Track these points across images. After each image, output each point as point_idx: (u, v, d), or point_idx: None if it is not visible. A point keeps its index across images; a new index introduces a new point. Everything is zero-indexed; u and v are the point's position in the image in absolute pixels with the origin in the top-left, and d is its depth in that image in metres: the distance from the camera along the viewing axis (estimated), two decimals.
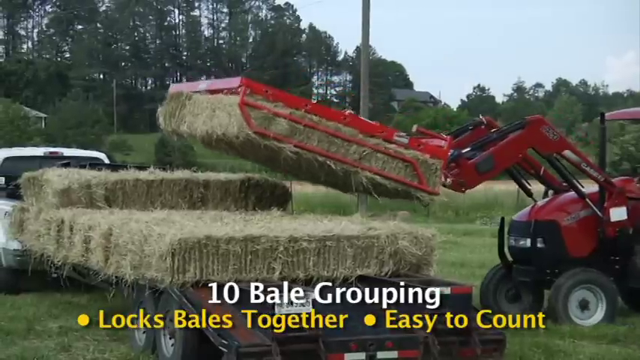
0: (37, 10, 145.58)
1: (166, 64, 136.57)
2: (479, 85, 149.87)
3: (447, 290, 8.95)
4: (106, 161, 15.86)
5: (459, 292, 9.03)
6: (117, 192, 11.82)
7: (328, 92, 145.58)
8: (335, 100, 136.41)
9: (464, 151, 11.92)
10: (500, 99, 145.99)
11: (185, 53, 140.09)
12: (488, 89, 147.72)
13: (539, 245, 12.29)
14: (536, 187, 13.25)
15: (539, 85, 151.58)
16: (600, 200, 12.36)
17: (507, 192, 32.46)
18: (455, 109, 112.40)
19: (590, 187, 12.70)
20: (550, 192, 12.98)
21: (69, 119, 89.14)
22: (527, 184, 13.07)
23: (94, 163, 13.67)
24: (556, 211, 12.56)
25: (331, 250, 9.38)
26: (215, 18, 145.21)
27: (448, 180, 11.44)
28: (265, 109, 10.14)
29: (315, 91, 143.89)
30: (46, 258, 11.75)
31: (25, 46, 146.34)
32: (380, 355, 8.47)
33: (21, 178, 13.00)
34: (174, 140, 12.11)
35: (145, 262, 9.18)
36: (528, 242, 12.36)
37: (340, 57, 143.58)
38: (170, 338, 9.20)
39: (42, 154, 15.91)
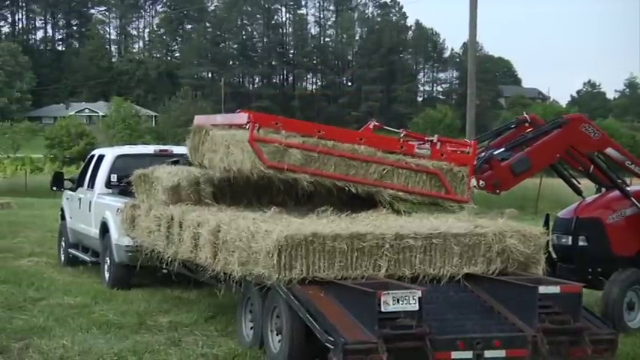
0: (148, 10, 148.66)
1: (273, 63, 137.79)
2: (589, 80, 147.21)
3: (556, 289, 8.80)
4: None
5: (569, 291, 8.86)
6: (224, 189, 11.93)
7: (434, 89, 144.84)
8: (441, 97, 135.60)
9: (496, 152, 11.65)
10: (611, 95, 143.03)
11: (292, 51, 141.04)
12: (599, 85, 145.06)
13: (580, 243, 11.88)
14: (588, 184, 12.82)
15: None
16: None
17: None
18: (564, 106, 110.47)
19: None
20: (603, 189, 12.53)
21: (178, 117, 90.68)
22: (575, 182, 12.62)
23: None
24: (600, 208, 12.13)
25: (437, 248, 9.32)
26: (322, 16, 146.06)
27: (481, 182, 11.25)
28: (276, 142, 10.18)
29: (421, 88, 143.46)
30: (157, 254, 11.93)
31: (136, 46, 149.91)
32: (487, 354, 8.37)
33: (132, 175, 13.21)
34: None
35: (253, 259, 9.25)
36: (570, 240, 11.95)
37: (447, 54, 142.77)
38: (277, 334, 9.27)
39: (152, 152, 16.12)
